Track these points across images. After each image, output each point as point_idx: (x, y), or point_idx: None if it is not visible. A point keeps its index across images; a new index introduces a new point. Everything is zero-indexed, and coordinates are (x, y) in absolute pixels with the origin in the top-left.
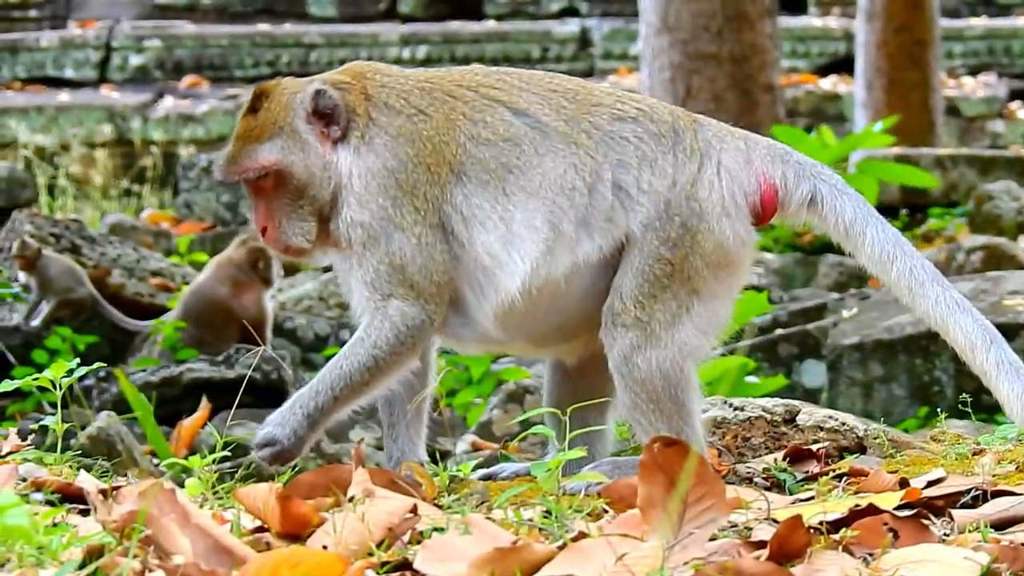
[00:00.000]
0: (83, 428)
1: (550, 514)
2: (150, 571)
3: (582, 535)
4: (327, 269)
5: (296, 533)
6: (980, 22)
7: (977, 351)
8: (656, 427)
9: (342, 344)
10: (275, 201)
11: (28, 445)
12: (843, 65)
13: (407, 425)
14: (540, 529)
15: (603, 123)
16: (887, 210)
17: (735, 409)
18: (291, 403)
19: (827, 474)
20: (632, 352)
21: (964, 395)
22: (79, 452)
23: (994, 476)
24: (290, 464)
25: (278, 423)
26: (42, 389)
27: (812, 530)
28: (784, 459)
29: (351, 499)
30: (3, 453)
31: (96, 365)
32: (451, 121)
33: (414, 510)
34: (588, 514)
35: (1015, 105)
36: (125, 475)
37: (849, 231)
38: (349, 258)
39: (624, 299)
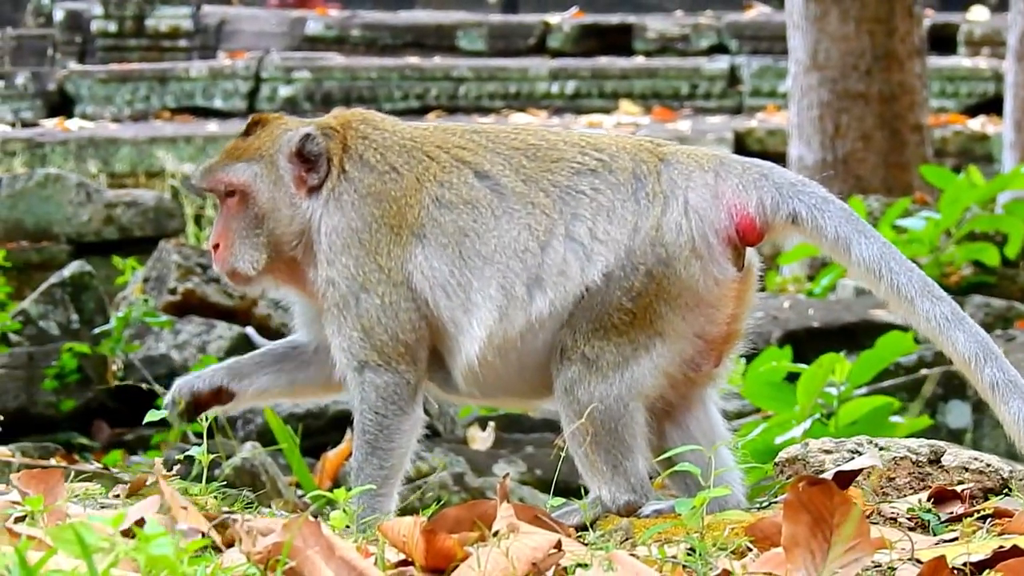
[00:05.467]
0: (228, 459)
1: (694, 551)
2: None
3: (726, 573)
4: None
5: (440, 567)
6: None
7: (972, 368)
8: (592, 460)
9: None
10: (235, 222)
11: (173, 475)
12: (992, 106)
13: None
14: (684, 566)
15: (561, 179)
16: None
17: (880, 449)
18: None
19: (971, 515)
20: (573, 385)
21: None
22: (224, 483)
23: None
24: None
25: (358, 521)
26: None
27: (956, 571)
28: (928, 499)
29: (495, 533)
30: (148, 483)
31: None
32: (420, 182)
33: (558, 546)
34: (732, 552)
35: None
36: (269, 506)
37: (834, 247)
38: (327, 321)
39: (576, 336)
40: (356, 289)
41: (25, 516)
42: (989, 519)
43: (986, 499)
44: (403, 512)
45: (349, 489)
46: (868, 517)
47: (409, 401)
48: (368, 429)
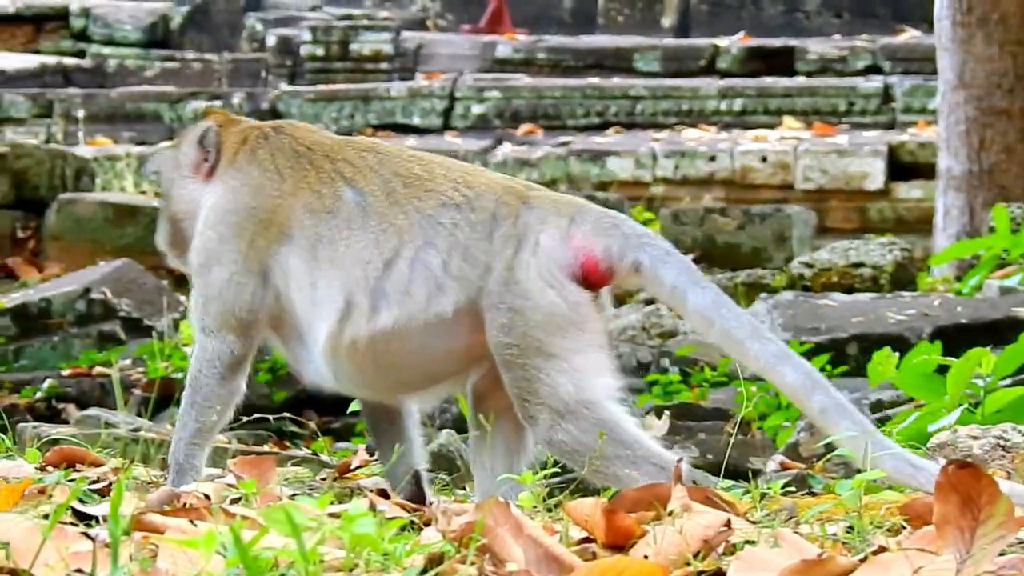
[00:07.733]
0: (426, 445)
1: (853, 529)
2: None
3: (882, 549)
4: (649, 301)
5: (619, 544)
6: None
7: (801, 398)
8: (615, 473)
9: (663, 371)
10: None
11: (375, 460)
12: None
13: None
14: (843, 543)
15: (426, 207)
16: None
17: (1023, 435)
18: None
19: None
20: (549, 433)
21: None
22: None
23: None
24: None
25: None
26: None
27: None
28: None
29: (670, 513)
30: (353, 467)
31: None
32: (298, 188)
33: (728, 524)
34: (888, 530)
35: None
36: (463, 488)
37: (671, 296)
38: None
39: (513, 395)
40: (211, 262)
41: (240, 498)
42: None
43: None
44: (583, 494)
45: (544, 466)
46: None
47: (229, 370)
48: (191, 383)
